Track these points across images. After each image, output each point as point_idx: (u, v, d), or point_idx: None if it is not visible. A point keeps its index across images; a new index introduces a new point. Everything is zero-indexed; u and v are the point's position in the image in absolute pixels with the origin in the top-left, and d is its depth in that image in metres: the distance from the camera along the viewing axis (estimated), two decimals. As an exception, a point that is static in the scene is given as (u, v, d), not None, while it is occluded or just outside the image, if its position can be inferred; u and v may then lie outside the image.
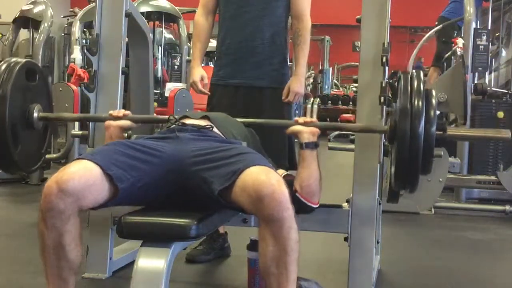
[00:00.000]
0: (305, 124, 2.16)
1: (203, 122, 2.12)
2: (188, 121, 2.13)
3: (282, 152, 2.70)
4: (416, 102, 1.88)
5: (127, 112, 2.30)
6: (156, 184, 1.87)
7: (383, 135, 2.30)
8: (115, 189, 1.79)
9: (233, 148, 1.95)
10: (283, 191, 1.70)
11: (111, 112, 2.31)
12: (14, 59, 2.29)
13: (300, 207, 2.05)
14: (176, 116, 2.18)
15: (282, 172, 2.17)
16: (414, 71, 2.01)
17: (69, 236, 1.72)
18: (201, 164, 1.87)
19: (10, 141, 2.16)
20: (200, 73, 2.79)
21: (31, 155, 2.35)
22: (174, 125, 2.11)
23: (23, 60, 2.30)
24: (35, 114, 2.28)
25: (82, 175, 1.72)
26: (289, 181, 2.07)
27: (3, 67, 2.20)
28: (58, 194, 1.68)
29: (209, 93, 2.83)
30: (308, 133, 2.13)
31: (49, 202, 1.69)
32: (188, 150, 1.91)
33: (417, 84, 1.92)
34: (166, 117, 2.22)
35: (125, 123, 2.27)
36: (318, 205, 2.15)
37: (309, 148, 2.12)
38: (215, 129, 2.10)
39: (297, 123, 2.19)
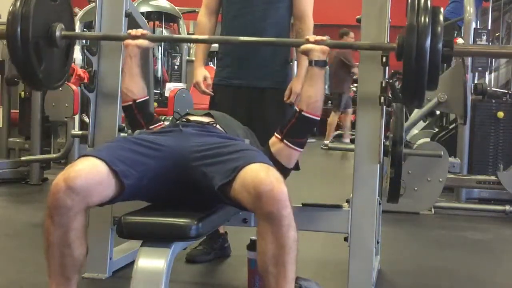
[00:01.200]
0: (315, 42, 2.20)
1: (206, 119, 2.16)
2: (191, 118, 2.16)
3: None
4: (422, 19, 1.93)
5: (145, 31, 2.36)
6: (160, 179, 1.89)
7: (383, 138, 2.31)
8: (121, 185, 1.80)
9: (235, 144, 1.97)
10: (283, 189, 1.70)
11: (129, 31, 2.37)
12: None
13: (308, 124, 2.18)
14: (179, 113, 2.23)
15: (273, 137, 2.21)
16: None
17: (75, 234, 1.74)
18: (203, 159, 1.88)
19: (34, 58, 2.23)
20: (203, 73, 2.79)
21: (54, 72, 2.42)
22: (178, 121, 2.14)
23: None
24: (58, 33, 2.32)
25: (89, 172, 1.73)
26: (284, 123, 2.20)
27: None
28: (66, 192, 1.69)
29: (212, 93, 2.82)
30: (318, 51, 2.18)
31: (56, 199, 1.70)
32: (190, 145, 1.93)
33: (424, 1, 1.97)
34: (185, 36, 2.29)
35: (143, 42, 2.33)
36: (319, 117, 2.22)
37: (318, 66, 2.18)
38: (218, 126, 2.13)
39: (308, 41, 2.22)
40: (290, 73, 2.90)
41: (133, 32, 2.34)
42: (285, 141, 2.17)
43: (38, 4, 2.23)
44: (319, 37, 2.23)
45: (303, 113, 2.17)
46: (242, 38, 2.46)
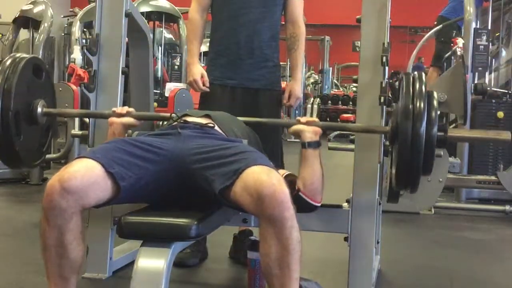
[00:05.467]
0: (307, 123, 2.17)
1: (204, 120, 2.13)
2: (189, 119, 2.13)
3: (277, 154, 2.71)
4: (417, 104, 1.89)
5: (131, 109, 2.30)
6: (158, 182, 1.88)
7: (383, 135, 2.30)
8: (117, 188, 1.79)
9: (234, 146, 1.95)
10: (284, 191, 1.69)
11: (114, 109, 2.31)
12: (19, 54, 2.30)
13: (303, 206, 2.07)
14: (177, 114, 2.19)
15: (283, 172, 2.18)
16: (416, 72, 2.01)
17: (71, 235, 1.73)
18: (202, 162, 1.87)
19: (13, 133, 2.17)
20: (200, 70, 2.77)
21: (33, 150, 2.36)
22: (175, 123, 2.11)
23: (29, 56, 2.32)
24: (39, 109, 2.29)
25: (84, 174, 1.72)
26: (291, 181, 2.08)
27: (9, 61, 2.22)
28: (61, 193, 1.68)
29: (208, 89, 2.81)
30: (310, 133, 2.15)
31: (51, 200, 1.69)
32: (189, 147, 1.92)
33: (419, 85, 1.94)
34: (169, 114, 2.23)
35: (128, 120, 2.27)
36: (320, 203, 2.16)
37: (311, 148, 2.13)
38: (216, 127, 2.10)
39: (299, 122, 2.19)
40: (280, 75, 2.94)
41: (118, 110, 2.29)
42: None
43: (21, 79, 2.20)
44: (310, 119, 2.20)
45: (300, 193, 2.10)
46: (240, 118, 2.35)
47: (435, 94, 1.97)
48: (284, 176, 2.06)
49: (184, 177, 1.88)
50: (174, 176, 1.88)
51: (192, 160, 1.88)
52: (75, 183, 1.69)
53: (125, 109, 2.29)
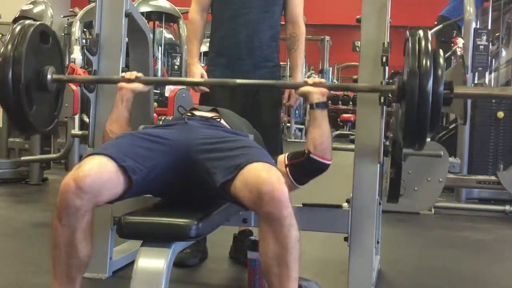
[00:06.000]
0: (314, 85, 2.19)
1: (211, 114, 2.17)
2: (196, 113, 2.17)
3: (278, 145, 2.74)
4: (424, 62, 1.92)
5: (139, 74, 2.32)
6: (167, 173, 1.89)
7: (383, 135, 2.31)
8: (129, 181, 1.80)
9: (239, 140, 1.98)
10: (283, 190, 1.70)
11: (123, 74, 2.34)
12: (28, 22, 2.31)
13: (316, 167, 2.17)
14: (185, 108, 2.23)
15: (283, 157, 2.21)
16: (421, 31, 2.03)
17: (82, 234, 1.74)
18: (207, 153, 1.89)
19: (24, 101, 2.19)
20: (200, 70, 2.77)
21: (44, 116, 2.38)
22: (183, 115, 2.14)
23: (37, 23, 2.32)
24: (49, 76, 2.30)
25: (98, 171, 1.73)
26: (297, 153, 2.19)
27: (18, 28, 2.22)
28: (76, 192, 1.69)
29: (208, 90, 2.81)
30: (318, 94, 2.17)
31: (66, 199, 1.70)
32: (195, 137, 1.94)
33: (425, 44, 1.96)
34: (180, 79, 2.27)
35: (137, 85, 2.29)
36: (331, 161, 2.20)
37: (319, 108, 2.17)
38: (222, 121, 2.14)
39: (306, 84, 2.21)
40: (280, 75, 2.95)
41: (127, 75, 2.30)
42: (287, 169, 2.17)
43: (30, 47, 2.21)
44: (317, 80, 2.22)
45: (311, 155, 2.15)
46: (238, 81, 2.40)
47: (441, 52, 1.99)
48: (287, 156, 2.18)
49: (190, 167, 1.89)
50: (181, 166, 1.89)
51: (198, 150, 1.90)
52: (90, 181, 1.70)
53: (134, 74, 2.31)
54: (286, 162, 2.19)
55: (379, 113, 2.32)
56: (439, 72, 1.93)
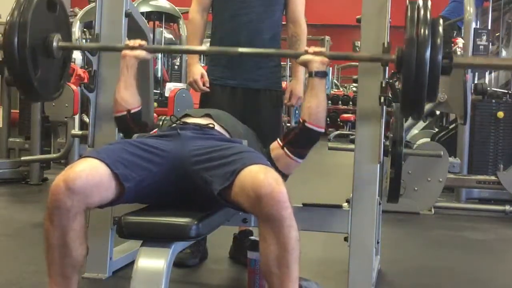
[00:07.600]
0: (314, 53, 2.20)
1: (204, 121, 2.14)
2: (189, 120, 2.15)
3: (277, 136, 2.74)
4: (422, 30, 1.92)
5: (143, 42, 2.34)
6: (160, 183, 1.88)
7: (383, 135, 2.31)
8: (121, 188, 1.80)
9: (233, 147, 1.96)
10: (282, 190, 1.70)
11: (127, 42, 2.36)
12: None
13: (311, 136, 2.18)
14: (176, 116, 2.20)
15: (275, 142, 2.22)
16: (421, 0, 2.02)
17: (74, 234, 1.73)
18: (201, 164, 1.87)
19: (30, 68, 2.19)
20: (200, 70, 2.77)
21: (50, 83, 2.39)
22: (175, 124, 2.12)
23: None
24: (55, 44, 2.30)
25: (89, 173, 1.73)
26: (287, 131, 2.24)
27: None
28: (66, 192, 1.68)
29: (209, 90, 2.81)
30: (318, 62, 2.18)
31: (56, 200, 1.69)
32: (188, 149, 1.92)
33: (423, 13, 1.95)
34: (183, 47, 2.27)
35: (141, 53, 2.31)
36: (323, 129, 2.22)
37: (318, 77, 2.18)
38: (217, 127, 2.12)
39: (307, 52, 2.22)
40: (281, 75, 2.94)
41: (131, 42, 2.32)
42: (285, 149, 2.18)
43: (36, 13, 2.21)
44: (318, 49, 2.22)
45: (306, 124, 2.17)
46: (240, 49, 2.44)
47: (440, 21, 1.99)
48: (278, 140, 2.20)
49: (184, 178, 1.88)
50: (175, 177, 1.88)
51: (192, 162, 1.89)
52: (80, 183, 1.69)
53: (138, 42, 2.32)
54: (281, 144, 2.19)
55: (379, 113, 2.32)
56: (438, 40, 1.93)
